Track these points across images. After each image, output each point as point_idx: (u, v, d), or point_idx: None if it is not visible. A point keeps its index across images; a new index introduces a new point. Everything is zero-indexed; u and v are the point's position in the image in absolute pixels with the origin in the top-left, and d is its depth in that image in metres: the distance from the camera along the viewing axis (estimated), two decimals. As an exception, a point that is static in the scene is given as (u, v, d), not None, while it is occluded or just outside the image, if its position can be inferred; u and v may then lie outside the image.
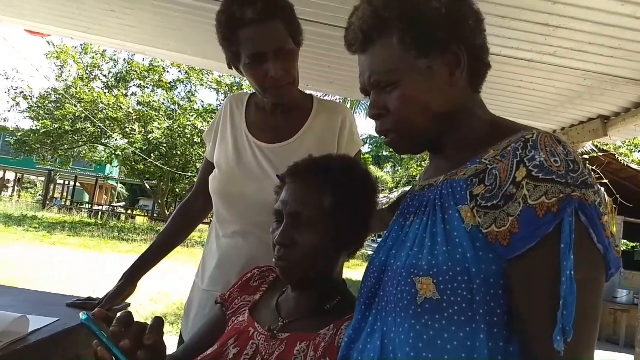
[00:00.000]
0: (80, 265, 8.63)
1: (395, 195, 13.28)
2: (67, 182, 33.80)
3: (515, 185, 0.67)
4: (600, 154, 7.14)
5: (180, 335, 1.46)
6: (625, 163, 8.70)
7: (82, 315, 0.70)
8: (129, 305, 1.57)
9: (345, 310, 0.95)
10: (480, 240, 0.69)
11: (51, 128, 17.66)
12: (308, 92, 1.55)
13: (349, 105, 12.15)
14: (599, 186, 0.70)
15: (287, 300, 1.03)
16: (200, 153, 18.35)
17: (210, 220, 1.55)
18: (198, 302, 1.41)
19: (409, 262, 0.75)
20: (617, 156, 8.59)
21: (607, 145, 7.61)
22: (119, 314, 0.78)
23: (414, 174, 19.88)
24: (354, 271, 10.54)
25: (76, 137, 18.65)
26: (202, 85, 18.71)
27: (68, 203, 28.92)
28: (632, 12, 2.05)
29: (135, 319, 0.77)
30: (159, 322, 0.78)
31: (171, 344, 0.78)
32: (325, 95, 6.14)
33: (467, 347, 0.66)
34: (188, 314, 1.44)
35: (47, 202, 25.97)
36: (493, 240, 0.68)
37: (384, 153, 28.54)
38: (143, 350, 0.73)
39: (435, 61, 0.79)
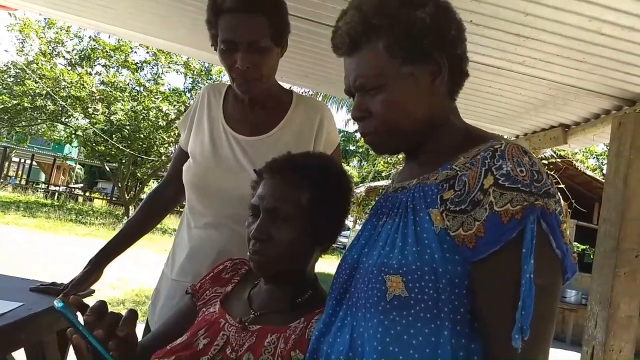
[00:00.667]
0: (36, 247, 8.35)
1: (361, 190, 13.40)
2: (23, 160, 32.46)
3: (482, 192, 0.70)
4: (559, 160, 7.44)
5: (147, 324, 1.45)
6: (581, 169, 9.08)
7: (58, 303, 0.70)
8: (93, 291, 1.55)
9: (316, 304, 0.97)
10: (448, 242, 0.73)
11: (9, 104, 16.86)
12: (282, 84, 1.55)
13: (320, 98, 12.15)
14: (560, 195, 0.75)
15: (259, 293, 1.04)
16: (165, 137, 17.91)
17: (177, 209, 1.54)
18: (166, 291, 1.40)
19: (380, 260, 0.77)
20: (574, 162, 8.96)
21: (564, 151, 7.92)
22: (93, 303, 0.78)
23: (380, 169, 20.06)
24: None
25: (35, 115, 17.85)
26: (169, 68, 18.21)
27: (23, 182, 27.83)
28: (598, 28, 2.14)
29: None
30: (132, 314, 0.79)
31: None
32: (293, 86, 6.13)
33: (432, 342, 0.70)
34: (155, 302, 1.43)
35: (1, 180, 24.90)
36: (460, 243, 0.71)
37: (351, 147, 28.64)
38: (115, 340, 0.74)
39: (418, 68, 0.82)
